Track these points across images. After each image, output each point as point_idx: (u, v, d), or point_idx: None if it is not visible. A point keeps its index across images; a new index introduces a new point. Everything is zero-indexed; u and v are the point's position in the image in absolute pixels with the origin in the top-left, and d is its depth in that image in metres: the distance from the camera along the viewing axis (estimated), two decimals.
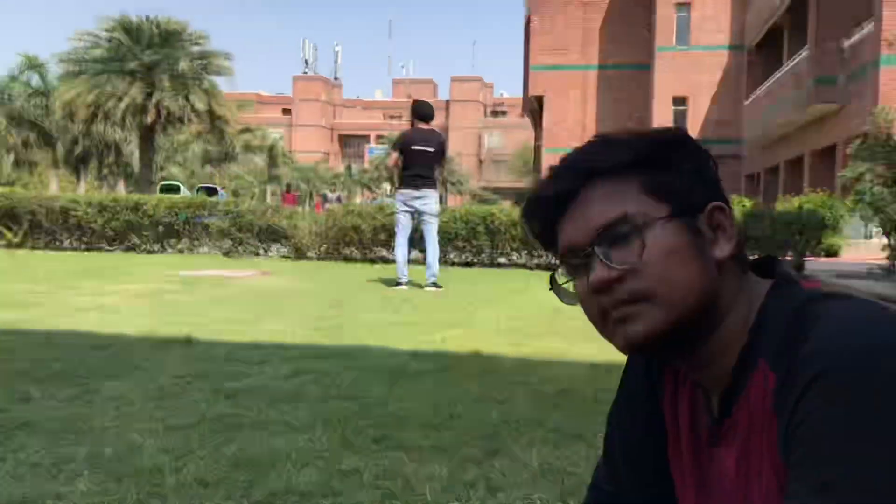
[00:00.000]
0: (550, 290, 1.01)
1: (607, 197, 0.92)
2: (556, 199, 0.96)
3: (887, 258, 10.33)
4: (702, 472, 1.02)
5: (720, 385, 0.95)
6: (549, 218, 0.98)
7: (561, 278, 1.00)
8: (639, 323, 0.90)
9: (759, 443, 0.89)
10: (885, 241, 11.28)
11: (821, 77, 21.97)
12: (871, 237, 16.29)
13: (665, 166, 0.94)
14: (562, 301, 1.01)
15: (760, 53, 29.03)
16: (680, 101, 30.62)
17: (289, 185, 30.08)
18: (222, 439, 2.92)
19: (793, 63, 24.52)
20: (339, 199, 25.93)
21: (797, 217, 11.94)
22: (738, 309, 0.93)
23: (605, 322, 0.94)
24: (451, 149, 63.59)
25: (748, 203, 11.58)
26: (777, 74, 26.17)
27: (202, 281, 8.73)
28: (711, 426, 0.98)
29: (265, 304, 6.79)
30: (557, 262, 1.00)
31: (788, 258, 11.12)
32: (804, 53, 23.37)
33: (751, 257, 1.01)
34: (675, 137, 0.97)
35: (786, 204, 15.86)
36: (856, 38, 21.14)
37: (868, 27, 20.34)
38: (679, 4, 30.46)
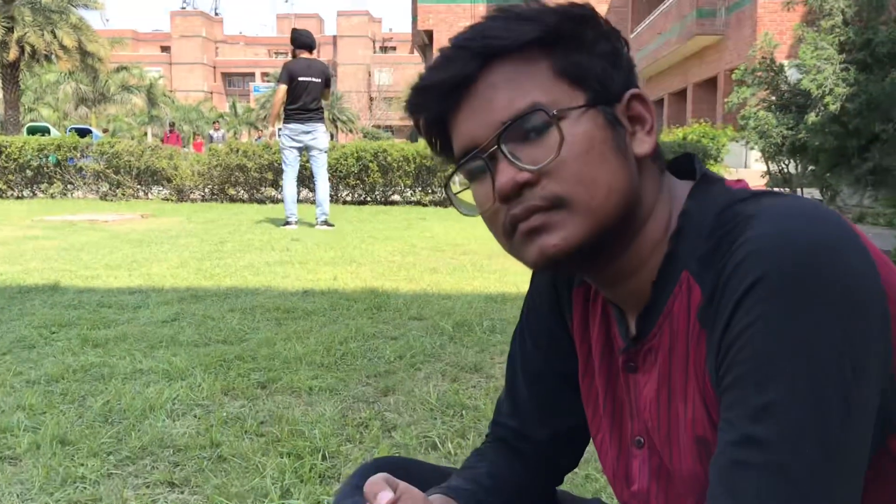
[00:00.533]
0: (447, 198, 0.87)
1: (512, 82, 0.76)
2: (449, 88, 0.78)
3: (765, 185, 10.70)
4: (616, 402, 0.91)
5: (638, 302, 0.83)
6: (441, 111, 0.80)
7: (456, 186, 0.84)
8: (555, 233, 0.76)
9: (683, 365, 0.78)
10: (764, 168, 11.70)
11: (701, 9, 22.44)
12: (748, 166, 16.94)
13: (578, 46, 0.78)
14: (460, 212, 0.85)
15: None
16: None
17: (172, 124, 28.52)
18: (88, 391, 2.66)
19: None
20: (223, 138, 24.87)
21: (681, 147, 12.20)
22: (658, 214, 0.81)
23: (512, 235, 0.79)
24: (340, 86, 62.32)
25: None
26: (661, 8, 26.57)
27: (75, 226, 8.15)
28: (628, 349, 0.86)
29: (143, 249, 6.37)
30: (451, 165, 0.83)
31: None
32: None
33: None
34: (586, 13, 0.80)
35: (670, 135, 16.26)
36: None
37: None
38: None
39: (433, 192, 11.68)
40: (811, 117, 9.08)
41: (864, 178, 8.10)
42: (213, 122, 31.83)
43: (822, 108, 8.72)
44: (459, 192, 0.85)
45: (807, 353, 0.64)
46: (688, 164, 0.87)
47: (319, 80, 7.86)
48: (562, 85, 0.77)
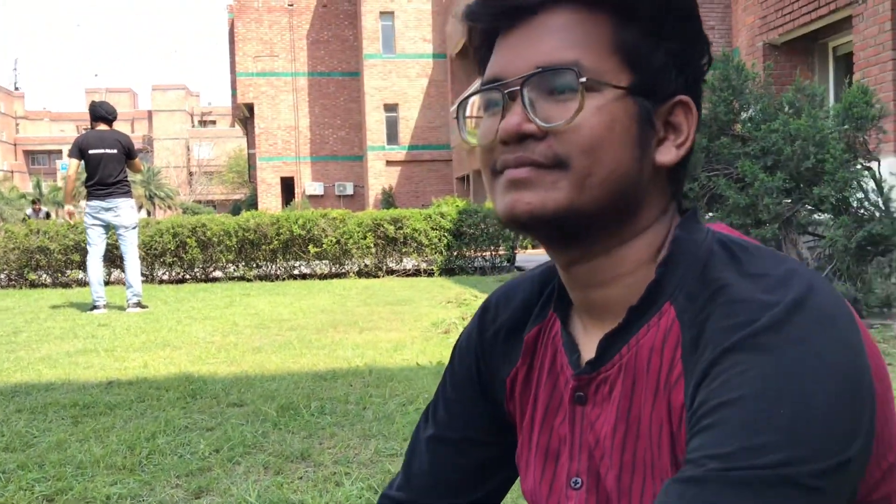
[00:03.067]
0: (455, 118, 0.81)
1: (567, 32, 0.72)
2: (508, 9, 0.74)
3: None
4: (553, 438, 0.81)
5: (603, 318, 0.77)
6: (492, 27, 0.76)
7: (471, 108, 0.79)
8: (536, 192, 0.71)
9: (651, 405, 0.71)
10: None
11: None
12: None
13: (650, 29, 0.73)
14: (460, 137, 0.80)
15: (461, 61, 30.60)
16: (391, 107, 31.31)
17: None
18: None
19: None
20: (47, 216, 23.09)
21: None
22: (653, 233, 0.76)
23: (496, 178, 0.74)
24: (157, 161, 60.06)
25: (461, 203, 11.93)
26: (477, 82, 27.75)
27: None
28: (579, 375, 0.78)
29: None
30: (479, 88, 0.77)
31: (502, 252, 11.63)
32: None
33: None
34: (684, 1, 0.74)
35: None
36: None
37: None
38: (383, 13, 31.17)
39: (257, 267, 11.25)
40: None
41: None
42: (33, 202, 29.01)
43: None
44: (470, 116, 0.79)
45: (811, 409, 0.58)
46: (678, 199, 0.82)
47: (115, 151, 7.35)
48: (614, 58, 0.71)
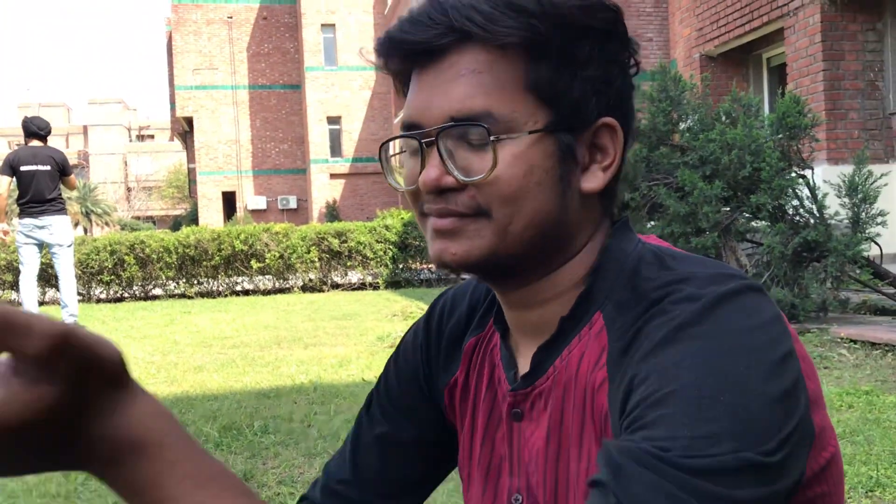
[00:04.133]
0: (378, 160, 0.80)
1: (477, 76, 0.69)
2: (418, 51, 0.72)
3: None
4: (494, 455, 0.81)
5: (542, 333, 0.76)
6: (403, 69, 0.75)
7: (393, 147, 0.79)
8: (460, 242, 0.71)
9: (580, 411, 0.72)
10: None
11: None
12: None
13: (565, 62, 0.70)
14: (387, 181, 0.80)
15: None
16: (334, 120, 31.14)
17: None
18: None
19: None
20: None
21: None
22: (588, 251, 0.76)
23: (424, 220, 0.75)
24: (94, 177, 58.67)
25: (406, 215, 11.91)
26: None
27: None
28: (515, 390, 0.77)
29: None
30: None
31: None
32: None
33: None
34: (595, 23, 0.71)
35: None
36: None
37: None
38: (324, 26, 31.03)
39: (199, 283, 11.03)
40: None
41: None
42: None
43: None
44: (394, 154, 0.79)
45: (747, 395, 0.59)
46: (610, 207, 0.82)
47: (48, 168, 7.13)
48: (528, 99, 0.70)
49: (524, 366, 0.78)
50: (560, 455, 0.73)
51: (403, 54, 0.73)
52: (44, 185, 7.10)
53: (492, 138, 0.69)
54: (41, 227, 7.18)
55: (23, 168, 7.03)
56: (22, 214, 7.16)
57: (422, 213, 0.75)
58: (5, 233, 7.66)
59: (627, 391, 0.64)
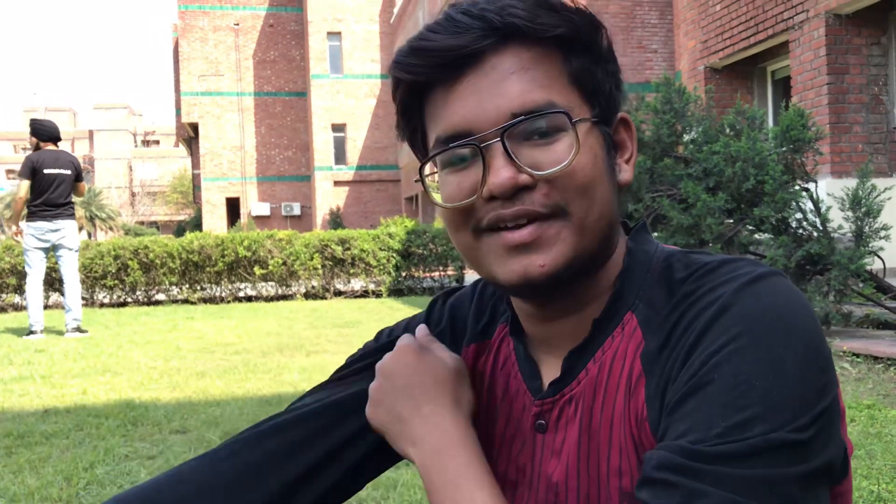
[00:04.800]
0: (417, 181, 0.77)
1: (527, 73, 0.68)
2: (455, 57, 0.68)
3: None
4: (509, 468, 0.79)
5: (573, 339, 0.75)
6: (436, 79, 0.70)
7: (429, 167, 0.75)
8: (545, 252, 0.68)
9: (610, 411, 0.71)
10: None
11: None
12: None
13: (594, 56, 0.72)
14: (431, 201, 0.75)
15: None
16: (339, 127, 31.20)
17: None
18: None
19: None
20: None
21: None
22: (619, 250, 0.76)
23: (481, 234, 0.71)
24: (98, 182, 58.79)
25: (409, 223, 11.92)
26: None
27: None
28: (543, 398, 0.76)
29: None
30: (429, 145, 0.73)
31: (450, 272, 11.62)
32: None
33: None
34: (600, 23, 0.74)
35: (441, 223, 16.78)
36: None
37: None
38: (330, 34, 31.13)
39: (201, 289, 11.04)
40: None
41: None
42: None
43: None
44: (429, 175, 0.75)
45: (782, 377, 0.60)
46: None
47: (69, 173, 7.20)
48: (575, 92, 0.70)
49: (549, 375, 0.77)
50: (590, 456, 0.72)
51: (438, 62, 0.69)
52: (62, 189, 7.18)
53: (574, 120, 0.68)
54: (54, 231, 7.22)
55: (46, 171, 7.07)
56: (34, 217, 7.17)
57: (478, 230, 0.71)
58: (19, 233, 7.64)
59: (667, 381, 0.65)
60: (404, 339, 0.80)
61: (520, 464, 0.78)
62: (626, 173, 0.75)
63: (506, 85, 0.68)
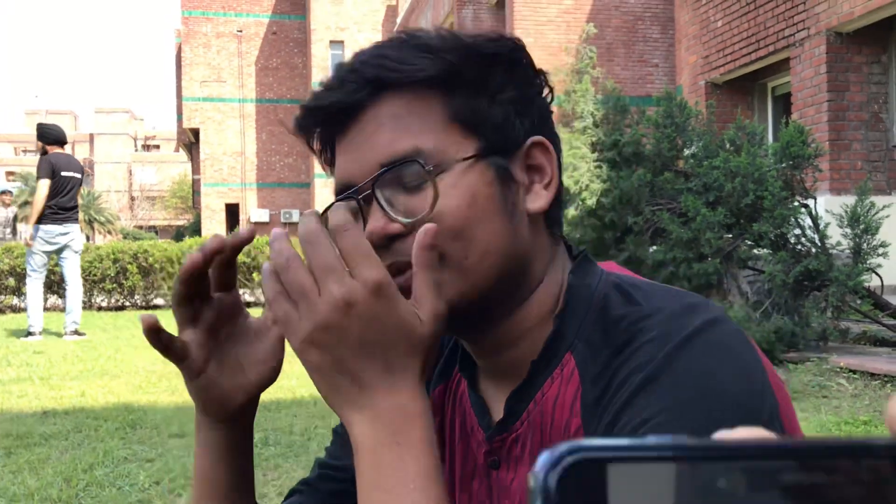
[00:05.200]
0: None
1: (398, 121, 0.69)
2: (335, 112, 0.71)
3: None
4: (471, 502, 0.78)
5: (514, 378, 0.74)
6: (326, 135, 0.74)
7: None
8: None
9: None
10: None
11: None
12: None
13: (479, 90, 0.71)
14: None
15: None
16: None
17: None
18: None
19: None
20: (15, 220, 21.67)
21: None
22: (549, 281, 0.74)
23: None
24: (98, 185, 58.80)
25: None
26: None
27: None
28: (491, 437, 0.75)
29: None
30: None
31: None
32: None
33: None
34: (499, 51, 0.72)
35: None
36: None
37: None
38: (333, 42, 31.24)
39: None
40: (570, 212, 9.73)
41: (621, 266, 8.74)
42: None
43: (581, 203, 9.39)
44: None
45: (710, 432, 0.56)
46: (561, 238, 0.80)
47: (80, 177, 7.26)
48: (453, 130, 0.70)
49: (497, 412, 0.76)
50: None
51: (322, 120, 0.73)
52: (74, 192, 7.24)
53: (428, 168, 0.67)
54: (64, 234, 7.24)
55: (63, 173, 7.08)
56: (45, 220, 7.14)
57: None
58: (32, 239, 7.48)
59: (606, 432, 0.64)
60: (374, 274, 0.62)
61: (480, 499, 0.78)
62: (541, 199, 0.73)
63: (377, 136, 0.69)
